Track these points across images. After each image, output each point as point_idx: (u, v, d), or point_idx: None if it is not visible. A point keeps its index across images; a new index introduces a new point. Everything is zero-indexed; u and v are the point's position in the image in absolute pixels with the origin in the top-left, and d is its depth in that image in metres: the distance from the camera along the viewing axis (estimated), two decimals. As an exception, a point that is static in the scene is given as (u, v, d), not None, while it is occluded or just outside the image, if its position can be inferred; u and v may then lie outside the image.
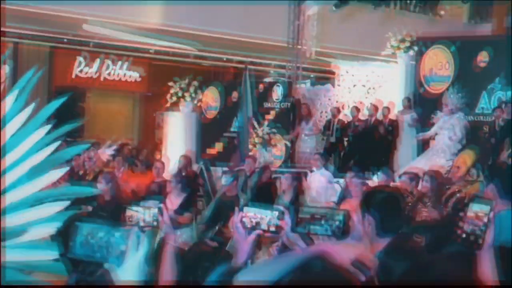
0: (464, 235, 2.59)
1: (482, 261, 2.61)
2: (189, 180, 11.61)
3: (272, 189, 11.86)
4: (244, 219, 3.09)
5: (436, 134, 14.83)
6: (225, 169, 13.37)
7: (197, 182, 14.25)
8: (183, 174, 13.36)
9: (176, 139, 19.29)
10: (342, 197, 10.76)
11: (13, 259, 3.97)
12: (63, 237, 3.42)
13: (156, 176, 12.22)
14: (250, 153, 16.10)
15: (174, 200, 10.22)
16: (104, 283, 2.86)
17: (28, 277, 4.07)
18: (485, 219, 2.57)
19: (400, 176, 10.66)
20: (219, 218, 10.98)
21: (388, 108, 16.90)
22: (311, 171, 14.26)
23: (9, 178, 4.07)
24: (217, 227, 11.00)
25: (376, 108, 17.01)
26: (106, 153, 13.30)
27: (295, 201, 10.20)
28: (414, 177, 10.40)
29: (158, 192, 10.86)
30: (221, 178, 11.16)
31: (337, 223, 2.90)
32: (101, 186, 9.63)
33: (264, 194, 12.22)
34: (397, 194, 3.93)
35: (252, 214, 3.08)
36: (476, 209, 2.59)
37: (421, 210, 9.43)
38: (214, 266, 4.01)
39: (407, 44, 18.02)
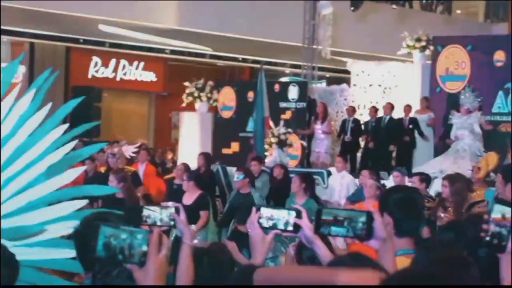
0: (488, 238, 2.55)
1: (506, 265, 2.57)
2: (204, 178, 11.55)
3: (285, 188, 11.74)
4: (261, 219, 3.08)
5: (456, 135, 14.68)
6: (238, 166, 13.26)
7: (214, 181, 14.21)
8: (200, 172, 13.35)
9: (192, 139, 19.30)
10: (356, 199, 10.66)
11: (31, 258, 3.98)
12: (82, 236, 3.42)
13: (178, 178, 12.20)
14: (266, 153, 16.06)
15: (189, 198, 10.22)
16: (122, 284, 2.86)
17: (46, 275, 4.07)
18: (509, 221, 2.53)
19: (410, 177, 10.59)
20: (234, 216, 10.98)
21: (409, 106, 16.77)
22: (328, 172, 14.19)
23: (27, 177, 4.09)
24: (232, 226, 11.01)
25: (391, 107, 16.93)
26: (129, 150, 13.32)
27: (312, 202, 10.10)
28: (425, 178, 10.34)
29: (179, 194, 10.82)
30: (234, 175, 11.12)
31: (360, 224, 2.86)
32: (112, 185, 9.62)
33: (278, 193, 12.16)
34: (415, 194, 3.90)
35: (269, 215, 3.07)
36: (500, 211, 2.55)
37: (441, 215, 9.36)
38: (232, 267, 4.00)
39: (423, 43, 17.94)
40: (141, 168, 14.22)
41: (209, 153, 15.15)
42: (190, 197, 10.26)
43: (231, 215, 11.05)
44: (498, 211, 2.57)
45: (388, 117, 16.68)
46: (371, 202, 8.64)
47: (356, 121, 17.46)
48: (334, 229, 2.87)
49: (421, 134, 16.46)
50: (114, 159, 12.46)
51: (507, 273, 2.57)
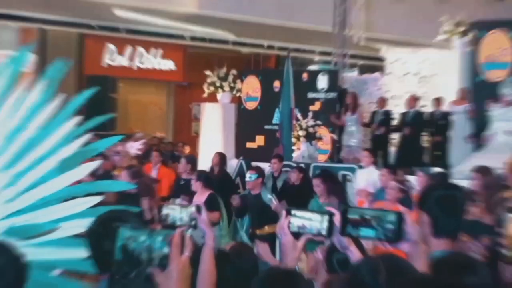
0: (503, 250, 2.52)
1: None
2: (213, 178, 11.55)
3: (304, 191, 11.59)
4: (291, 224, 3.07)
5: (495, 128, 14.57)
6: (253, 165, 13.20)
7: (228, 181, 14.16)
8: (215, 172, 13.34)
9: (214, 132, 19.31)
10: (376, 199, 10.60)
11: (42, 258, 4.00)
12: (97, 235, 3.43)
13: (182, 173, 12.23)
14: (294, 147, 16.02)
15: (199, 199, 10.22)
16: (141, 286, 2.87)
17: (57, 276, 4.10)
18: None
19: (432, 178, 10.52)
20: (245, 216, 11.00)
21: (438, 99, 16.68)
22: (360, 167, 14.10)
23: (39, 172, 4.10)
24: (248, 227, 11.01)
25: (414, 99, 16.86)
26: (134, 147, 13.35)
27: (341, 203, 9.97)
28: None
29: (186, 189, 10.85)
30: (246, 174, 11.08)
31: (389, 225, 2.82)
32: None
33: (296, 196, 11.94)
34: (457, 192, 3.85)
35: (300, 224, 3.05)
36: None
37: (471, 208, 9.30)
38: (256, 268, 4.00)
39: (463, 28, 17.81)
40: (154, 171, 14.20)
41: (225, 154, 15.14)
42: (200, 197, 10.25)
43: (243, 215, 11.09)
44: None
45: (413, 110, 16.61)
46: (391, 205, 8.62)
47: (387, 113, 17.30)
48: (362, 230, 2.83)
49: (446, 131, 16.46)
50: (119, 157, 12.53)
51: None
